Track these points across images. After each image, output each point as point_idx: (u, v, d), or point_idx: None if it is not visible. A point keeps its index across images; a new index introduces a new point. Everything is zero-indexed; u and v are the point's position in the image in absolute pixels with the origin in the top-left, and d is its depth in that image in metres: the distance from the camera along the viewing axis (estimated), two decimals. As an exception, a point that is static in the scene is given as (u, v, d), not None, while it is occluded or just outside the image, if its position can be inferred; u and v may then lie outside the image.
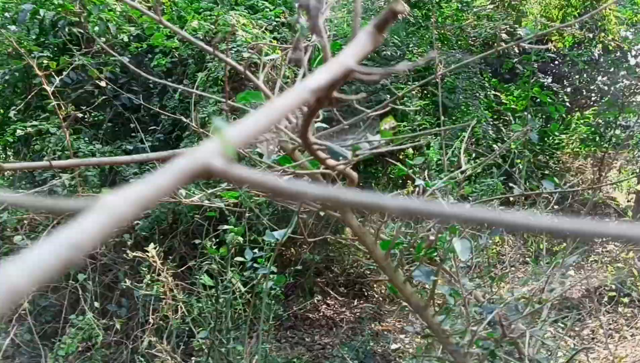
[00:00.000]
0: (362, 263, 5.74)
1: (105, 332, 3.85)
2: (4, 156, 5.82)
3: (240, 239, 2.41)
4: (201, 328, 2.45)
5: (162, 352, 2.46)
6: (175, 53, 5.25)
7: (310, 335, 5.39)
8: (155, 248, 2.77)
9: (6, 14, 5.51)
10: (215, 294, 2.46)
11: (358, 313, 5.90)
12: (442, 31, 6.44)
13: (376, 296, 6.23)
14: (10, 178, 5.63)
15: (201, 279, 2.55)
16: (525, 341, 1.39)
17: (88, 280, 4.07)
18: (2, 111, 5.86)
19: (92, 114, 4.94)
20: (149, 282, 2.78)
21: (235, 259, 2.51)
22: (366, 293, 6.28)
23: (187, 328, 2.72)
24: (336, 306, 6.10)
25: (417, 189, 1.55)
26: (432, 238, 1.36)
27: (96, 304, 4.01)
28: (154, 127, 5.27)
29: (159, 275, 2.71)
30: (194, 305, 2.63)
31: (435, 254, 1.40)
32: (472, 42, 6.54)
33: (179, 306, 2.66)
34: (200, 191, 2.08)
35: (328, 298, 6.08)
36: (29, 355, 4.14)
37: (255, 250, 2.21)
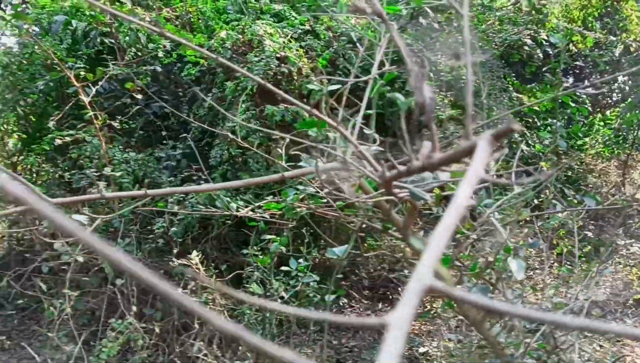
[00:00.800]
0: (388, 267, 5.81)
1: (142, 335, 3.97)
2: (37, 164, 5.99)
3: (284, 249, 2.51)
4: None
5: (207, 355, 2.56)
6: (205, 62, 5.36)
7: (337, 338, 5.48)
8: (197, 255, 2.87)
9: (32, 26, 5.65)
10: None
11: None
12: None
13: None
14: (46, 183, 5.80)
15: (250, 287, 2.65)
16: (575, 350, 1.46)
17: (125, 284, 4.20)
18: (34, 119, 6.04)
19: (124, 122, 5.06)
20: (194, 288, 2.89)
21: (280, 268, 2.60)
22: (391, 297, 6.36)
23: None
24: (361, 309, 6.19)
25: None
26: (490, 259, 1.44)
27: (134, 308, 4.13)
28: (184, 134, 5.40)
29: (202, 281, 2.82)
30: (245, 311, 2.73)
31: (486, 271, 1.48)
32: (496, 47, 6.58)
33: (224, 312, 2.76)
34: (245, 203, 2.18)
35: (353, 301, 6.17)
36: (67, 357, 4.28)
37: (300, 260, 2.30)
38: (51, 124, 4.49)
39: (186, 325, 4.54)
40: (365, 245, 6.36)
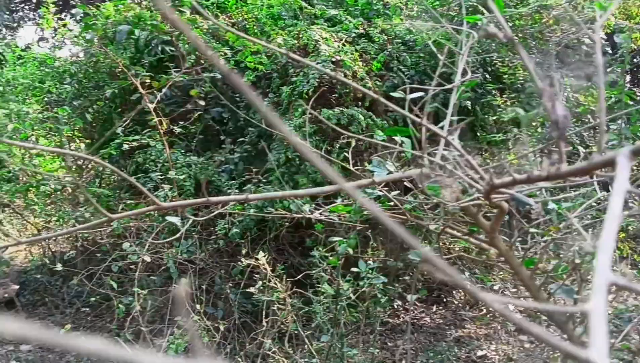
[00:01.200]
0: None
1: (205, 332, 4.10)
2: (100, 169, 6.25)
3: (351, 251, 2.58)
4: (320, 332, 2.63)
5: (275, 353, 2.65)
6: (263, 68, 5.48)
7: (393, 340, 5.49)
8: (265, 256, 2.97)
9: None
10: (332, 301, 2.63)
11: (437, 320, 5.96)
12: (520, 35, 6.40)
13: (455, 302, 6.27)
14: (112, 184, 6.05)
15: (322, 287, 2.73)
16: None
17: (189, 283, 4.35)
18: (99, 125, 6.30)
19: (185, 127, 5.24)
20: (261, 287, 2.99)
21: (347, 269, 2.66)
22: (445, 299, 6.33)
23: (295, 331, 2.91)
24: (415, 311, 6.19)
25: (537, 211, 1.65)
26: (577, 261, 1.46)
27: (198, 307, 4.27)
28: (242, 138, 5.54)
29: (269, 281, 2.91)
30: (317, 310, 2.80)
31: (566, 271, 1.49)
32: (553, 47, 6.46)
33: (289, 311, 2.84)
34: (313, 205, 2.24)
35: (407, 303, 6.16)
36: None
37: (369, 261, 2.36)
38: (119, 130, 4.69)
39: (245, 324, 4.67)
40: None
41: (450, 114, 1.35)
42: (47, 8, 6.09)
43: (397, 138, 1.99)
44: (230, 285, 4.72)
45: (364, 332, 2.71)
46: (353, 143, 2.50)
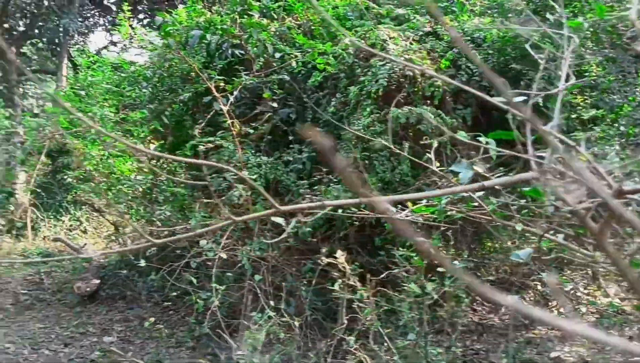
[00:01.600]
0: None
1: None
2: (175, 169, 6.51)
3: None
4: (406, 330, 2.67)
5: (358, 351, 2.71)
6: (330, 69, 5.55)
7: (461, 340, 5.46)
8: (343, 255, 3.03)
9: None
10: (417, 300, 2.67)
11: (507, 320, 5.87)
12: (593, 29, 6.21)
13: (524, 302, 6.16)
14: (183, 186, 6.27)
15: (408, 287, 2.77)
16: None
17: (263, 281, 4.48)
18: (173, 127, 6.55)
19: (255, 127, 5.37)
20: (341, 286, 3.06)
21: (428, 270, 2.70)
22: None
23: (375, 329, 2.96)
24: (483, 312, 6.12)
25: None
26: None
27: (272, 302, 4.39)
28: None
29: (348, 279, 2.98)
30: (404, 310, 2.86)
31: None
32: (627, 42, 6.23)
33: (372, 309, 2.90)
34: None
35: (475, 303, 6.10)
36: (211, 347, 4.62)
37: (456, 262, 2.38)
38: (196, 132, 4.87)
39: (316, 321, 4.76)
40: (488, 246, 6.28)
41: (557, 118, 1.36)
42: (122, 17, 6.38)
43: (482, 139, 2.00)
44: (302, 282, 4.82)
45: (446, 332, 2.73)
46: (435, 144, 2.52)
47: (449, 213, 2.39)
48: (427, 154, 2.54)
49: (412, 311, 2.74)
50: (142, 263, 4.19)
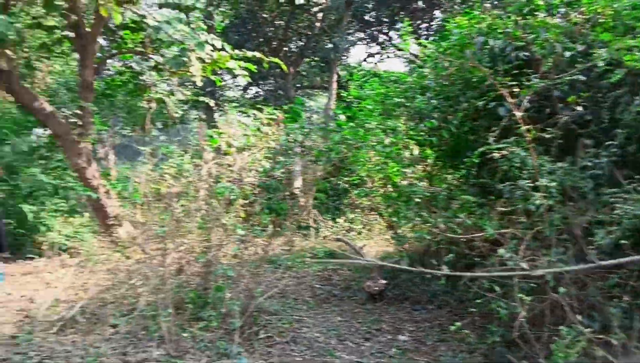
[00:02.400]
0: None
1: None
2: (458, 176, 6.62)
3: None
4: None
5: None
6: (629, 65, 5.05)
7: None
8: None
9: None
10: None
11: None
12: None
13: None
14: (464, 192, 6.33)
15: None
16: None
17: (567, 293, 4.27)
18: (453, 136, 6.66)
19: (548, 132, 5.15)
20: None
21: None
22: None
23: None
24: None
25: None
26: None
27: (578, 317, 4.17)
28: (608, 141, 5.19)
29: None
30: None
31: None
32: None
33: None
34: None
35: None
36: (506, 356, 4.57)
37: None
38: (491, 139, 4.87)
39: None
40: None
41: None
42: (405, 33, 6.72)
43: None
44: (607, 297, 4.48)
45: None
46: None
47: None
48: None
49: None
50: (446, 270, 4.33)
